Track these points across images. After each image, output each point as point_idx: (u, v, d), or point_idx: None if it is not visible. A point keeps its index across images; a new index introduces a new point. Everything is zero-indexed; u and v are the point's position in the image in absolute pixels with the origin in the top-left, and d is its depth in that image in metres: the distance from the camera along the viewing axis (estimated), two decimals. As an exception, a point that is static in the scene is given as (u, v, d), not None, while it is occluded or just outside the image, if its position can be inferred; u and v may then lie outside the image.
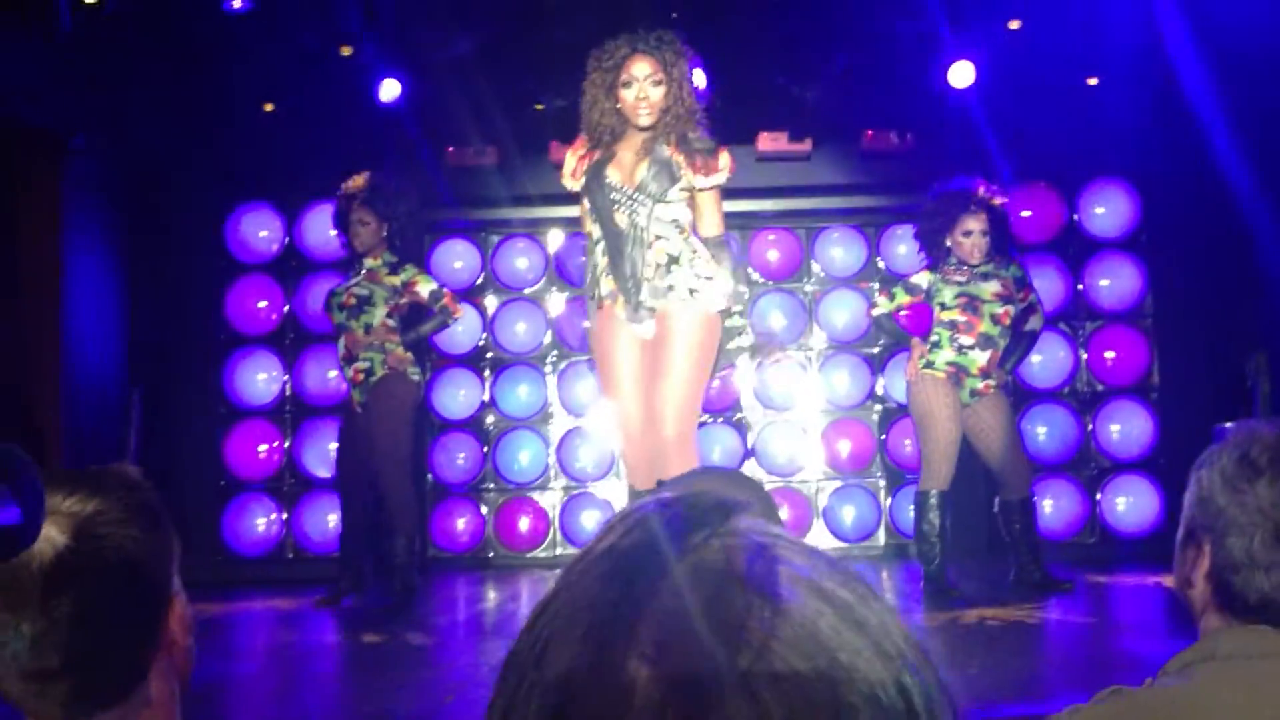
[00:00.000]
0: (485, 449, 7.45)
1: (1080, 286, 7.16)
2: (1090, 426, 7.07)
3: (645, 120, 3.95)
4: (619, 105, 3.97)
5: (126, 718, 1.15)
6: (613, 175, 3.98)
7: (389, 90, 6.43)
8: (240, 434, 7.08)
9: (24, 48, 5.53)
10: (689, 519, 0.58)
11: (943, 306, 5.48)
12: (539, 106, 6.85)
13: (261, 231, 7.26)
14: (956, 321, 5.41)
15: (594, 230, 4.05)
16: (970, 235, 5.41)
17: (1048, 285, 7.05)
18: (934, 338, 5.48)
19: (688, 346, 3.91)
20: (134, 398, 6.09)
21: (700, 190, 4.04)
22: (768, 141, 7.24)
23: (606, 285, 4.02)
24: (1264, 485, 1.33)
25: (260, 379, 7.16)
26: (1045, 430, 7.04)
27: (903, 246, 7.41)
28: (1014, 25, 6.51)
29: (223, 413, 7.08)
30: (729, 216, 7.42)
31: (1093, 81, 6.77)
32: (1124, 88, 6.68)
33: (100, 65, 5.96)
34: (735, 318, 4.13)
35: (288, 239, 7.26)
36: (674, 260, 3.93)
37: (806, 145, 7.23)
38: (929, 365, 5.39)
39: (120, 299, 6.59)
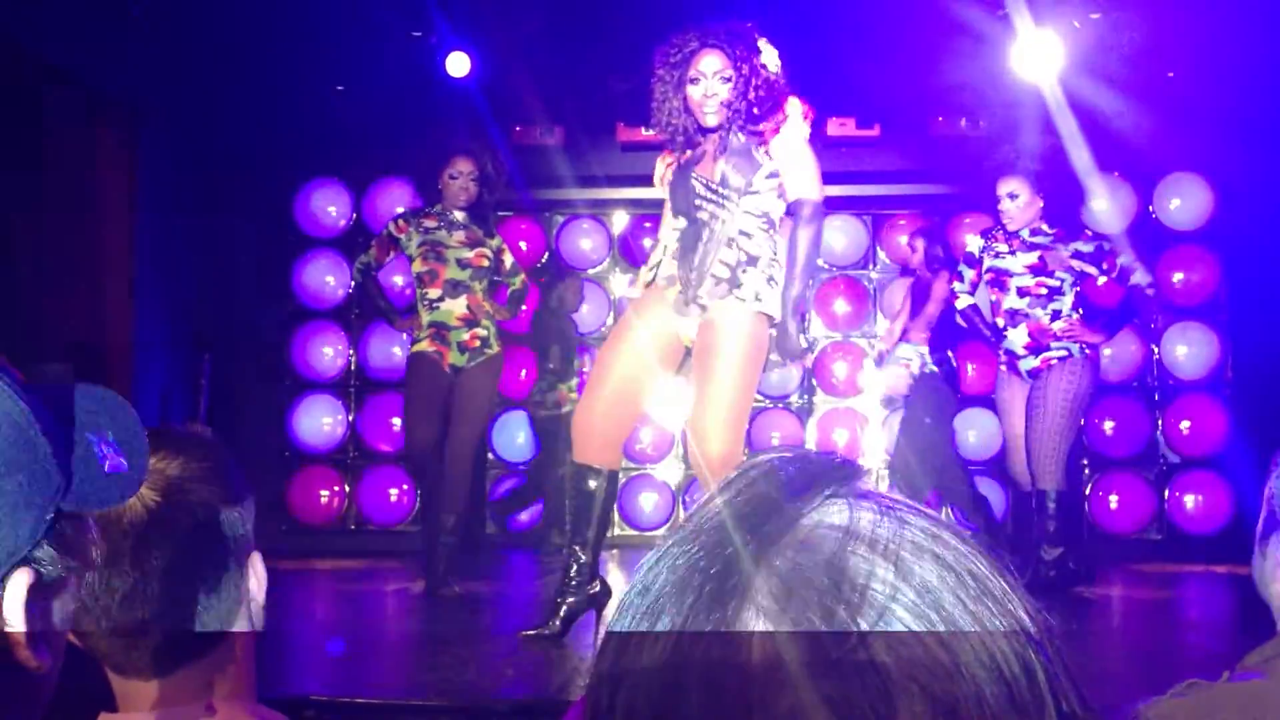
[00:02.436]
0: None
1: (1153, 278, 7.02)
2: (1159, 421, 6.95)
3: (711, 119, 3.66)
4: (688, 104, 3.69)
5: (211, 670, 1.17)
6: (698, 172, 3.72)
7: (457, 65, 6.42)
8: (306, 406, 7.19)
9: (102, 21, 5.64)
10: (813, 475, 0.57)
11: (978, 286, 5.38)
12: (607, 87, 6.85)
13: (330, 207, 7.35)
14: (991, 300, 5.31)
15: (675, 221, 3.80)
16: (1001, 201, 5.21)
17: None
18: (1001, 321, 5.29)
19: (737, 354, 3.60)
20: (204, 364, 6.18)
21: (779, 155, 3.66)
22: (835, 127, 7.18)
23: (668, 268, 3.78)
24: None
25: (327, 353, 7.25)
26: (1114, 424, 6.94)
27: (968, 236, 7.33)
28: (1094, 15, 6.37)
29: (289, 384, 7.19)
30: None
31: (1170, 74, 6.62)
32: (1200, 80, 6.54)
33: (176, 40, 6.05)
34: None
35: (355, 215, 7.34)
36: (751, 261, 3.64)
37: (875, 131, 7.16)
38: (1000, 357, 5.33)
39: (193, 269, 6.70)
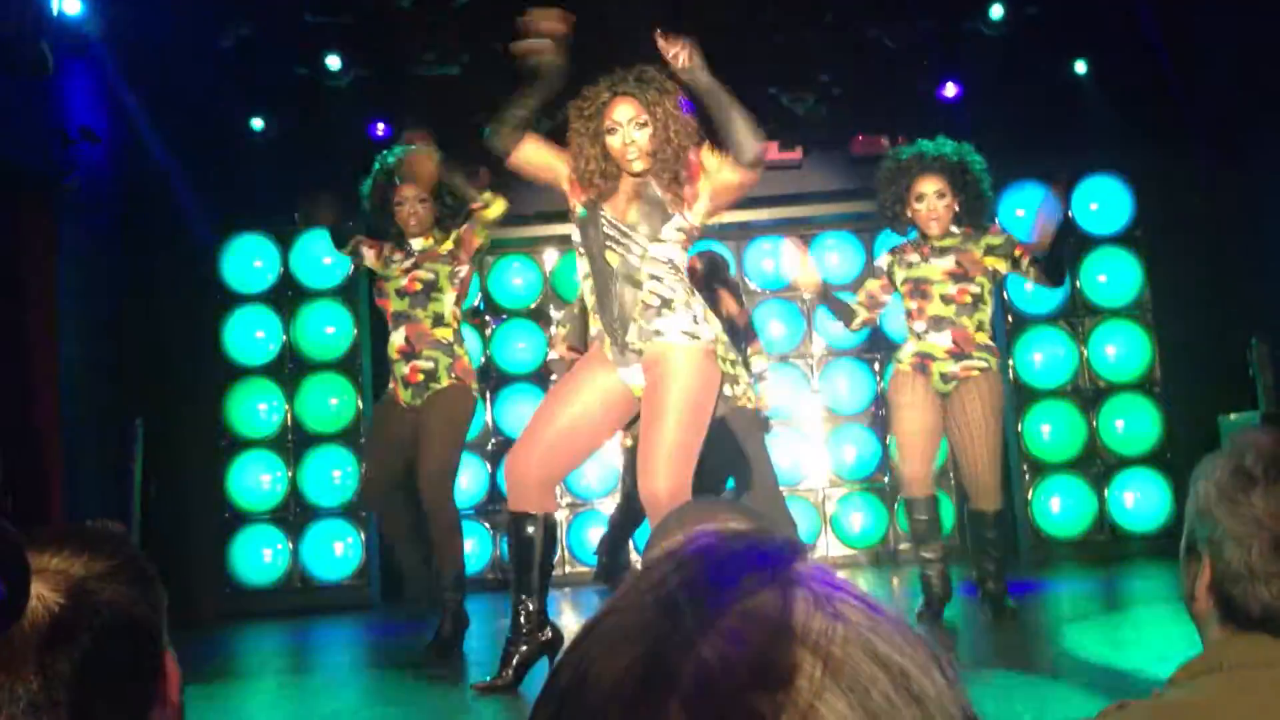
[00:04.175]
0: (489, 469, 7.44)
1: (1077, 284, 7.14)
2: (1094, 423, 7.06)
3: (637, 165, 3.68)
4: (607, 153, 3.70)
5: (125, 777, 1.14)
6: (608, 211, 3.73)
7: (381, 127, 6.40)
8: (243, 465, 7.07)
9: (12, 90, 5.54)
10: (751, 558, 0.55)
11: (898, 295, 5.08)
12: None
13: (256, 261, 7.26)
14: (909, 309, 4.99)
15: (583, 265, 3.82)
16: (924, 200, 4.90)
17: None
18: (904, 331, 5.10)
19: (682, 392, 3.61)
20: (136, 431, 6.06)
21: (708, 191, 3.70)
22: (759, 151, 7.24)
23: (594, 325, 3.80)
24: (1259, 495, 1.31)
25: (261, 409, 7.15)
26: (1050, 428, 7.03)
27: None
28: (995, 15, 6.49)
29: (225, 444, 7.07)
30: (723, 227, 7.51)
31: (1081, 68, 6.76)
32: (1112, 80, 6.69)
33: (88, 103, 5.97)
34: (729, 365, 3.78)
35: (283, 268, 7.26)
36: (666, 304, 3.68)
37: (797, 154, 7.25)
38: (898, 360, 5.04)
39: (118, 334, 6.58)
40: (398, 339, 4.83)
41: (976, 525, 5.00)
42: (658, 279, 3.70)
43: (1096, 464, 7.03)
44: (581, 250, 3.81)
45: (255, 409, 7.11)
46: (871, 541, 7.37)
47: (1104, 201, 7.15)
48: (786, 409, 7.42)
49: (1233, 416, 5.88)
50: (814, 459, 7.46)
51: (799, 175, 7.38)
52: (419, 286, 4.81)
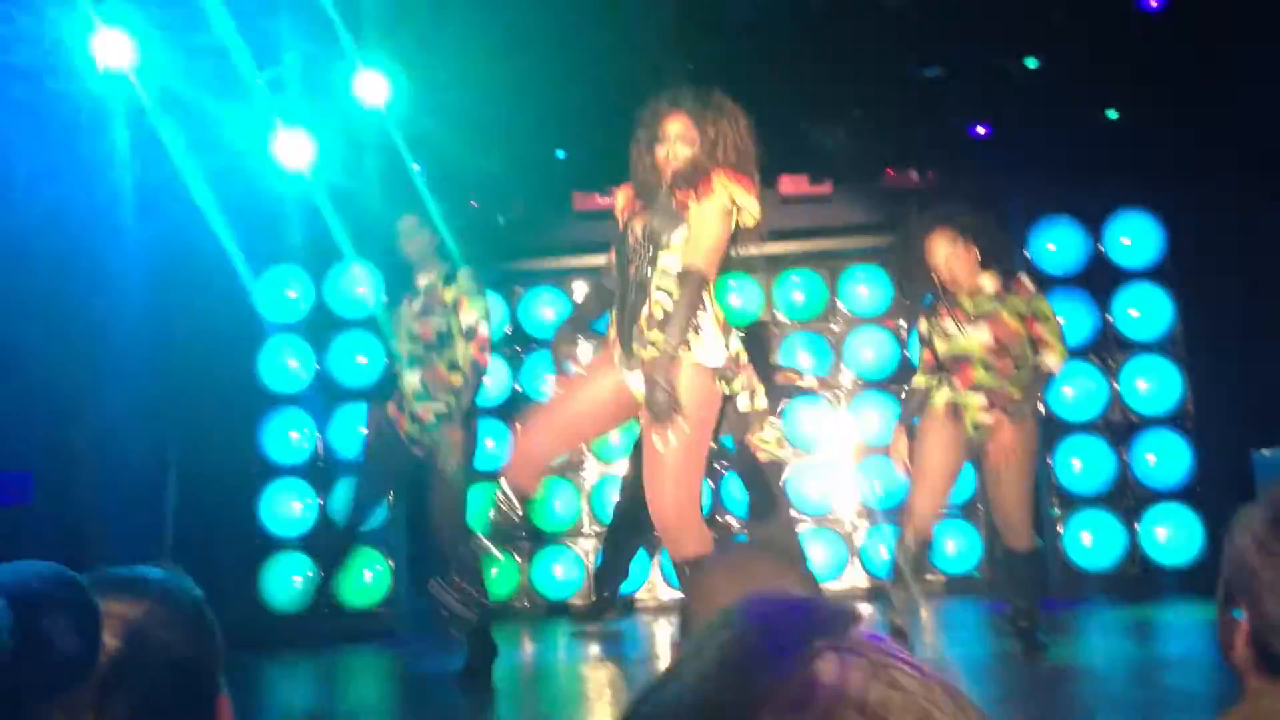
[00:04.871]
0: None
1: (1109, 318, 7.12)
2: (1126, 457, 7.01)
3: (669, 180, 3.73)
4: (655, 161, 3.77)
5: (180, 816, 1.16)
6: (637, 224, 3.80)
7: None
8: (275, 492, 7.12)
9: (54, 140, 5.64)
10: (806, 625, 0.57)
11: (935, 354, 5.02)
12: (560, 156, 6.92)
13: (289, 291, 7.34)
14: (950, 372, 4.95)
15: (614, 277, 3.92)
16: (944, 257, 4.88)
17: (1075, 317, 7.04)
18: (934, 381, 5.00)
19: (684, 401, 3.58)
20: (170, 456, 6.12)
21: (694, 219, 3.69)
22: (789, 184, 7.28)
23: (610, 331, 3.87)
24: None
25: (293, 436, 7.20)
26: (1081, 462, 6.99)
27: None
28: (1031, 64, 6.51)
29: (258, 470, 7.13)
30: (755, 261, 7.51)
31: (1113, 115, 6.76)
32: (1144, 117, 6.68)
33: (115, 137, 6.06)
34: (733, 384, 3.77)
35: (316, 298, 7.33)
36: (668, 319, 3.65)
37: (827, 187, 7.27)
38: (929, 403, 4.95)
39: (155, 358, 6.65)
40: (413, 379, 4.99)
41: (1010, 563, 4.99)
42: (663, 291, 3.71)
43: (1128, 498, 6.98)
44: (617, 264, 3.89)
45: (288, 436, 7.16)
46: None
47: (1135, 236, 7.13)
48: (814, 440, 7.41)
49: (1265, 452, 5.82)
50: (842, 490, 7.43)
51: (828, 208, 7.40)
52: (433, 337, 4.97)
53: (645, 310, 3.70)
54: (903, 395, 5.18)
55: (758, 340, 6.24)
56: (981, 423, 4.85)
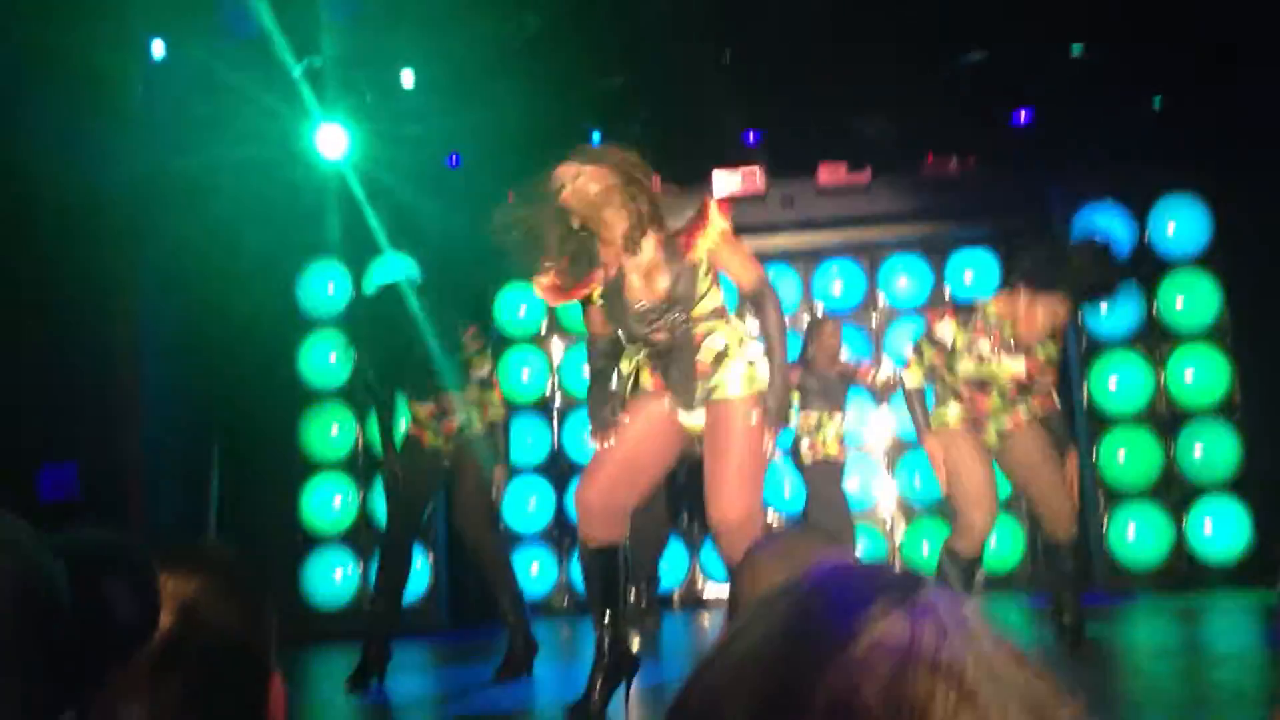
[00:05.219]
0: (556, 494, 7.47)
1: (1155, 307, 7.01)
2: (1172, 449, 6.91)
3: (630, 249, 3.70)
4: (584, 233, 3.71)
5: (234, 797, 1.15)
6: (631, 294, 3.74)
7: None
8: (316, 487, 7.16)
9: (102, 125, 5.69)
10: (874, 587, 0.56)
11: (951, 370, 4.78)
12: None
13: (329, 286, 7.37)
14: (960, 394, 4.77)
15: (629, 345, 3.89)
16: (1046, 313, 4.61)
17: (1120, 307, 6.94)
18: (941, 392, 4.82)
19: (746, 427, 3.68)
20: (213, 450, 6.17)
21: (712, 253, 3.74)
22: (827, 173, 7.23)
23: (649, 382, 3.85)
24: None
25: (334, 432, 7.24)
26: (1126, 454, 6.89)
27: (969, 271, 7.36)
28: (1075, 52, 6.43)
29: (299, 466, 7.17)
30: (794, 251, 7.50)
31: (1158, 103, 6.65)
32: (1189, 100, 6.58)
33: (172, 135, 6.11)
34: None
35: (355, 293, 7.37)
36: (724, 355, 3.73)
37: (865, 175, 7.21)
38: (940, 421, 4.77)
39: (197, 356, 6.71)
40: (427, 405, 5.04)
41: (1053, 556, 4.94)
42: (710, 334, 3.80)
43: (1174, 491, 6.87)
44: (620, 334, 3.92)
45: (328, 432, 7.20)
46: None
47: (1181, 222, 7.01)
48: (854, 436, 7.36)
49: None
50: (882, 485, 7.38)
51: (868, 197, 7.34)
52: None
53: (699, 359, 3.74)
54: (902, 393, 4.92)
55: (819, 334, 6.23)
56: (1003, 430, 4.76)
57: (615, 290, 3.75)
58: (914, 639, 0.52)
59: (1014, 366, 4.69)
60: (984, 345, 4.70)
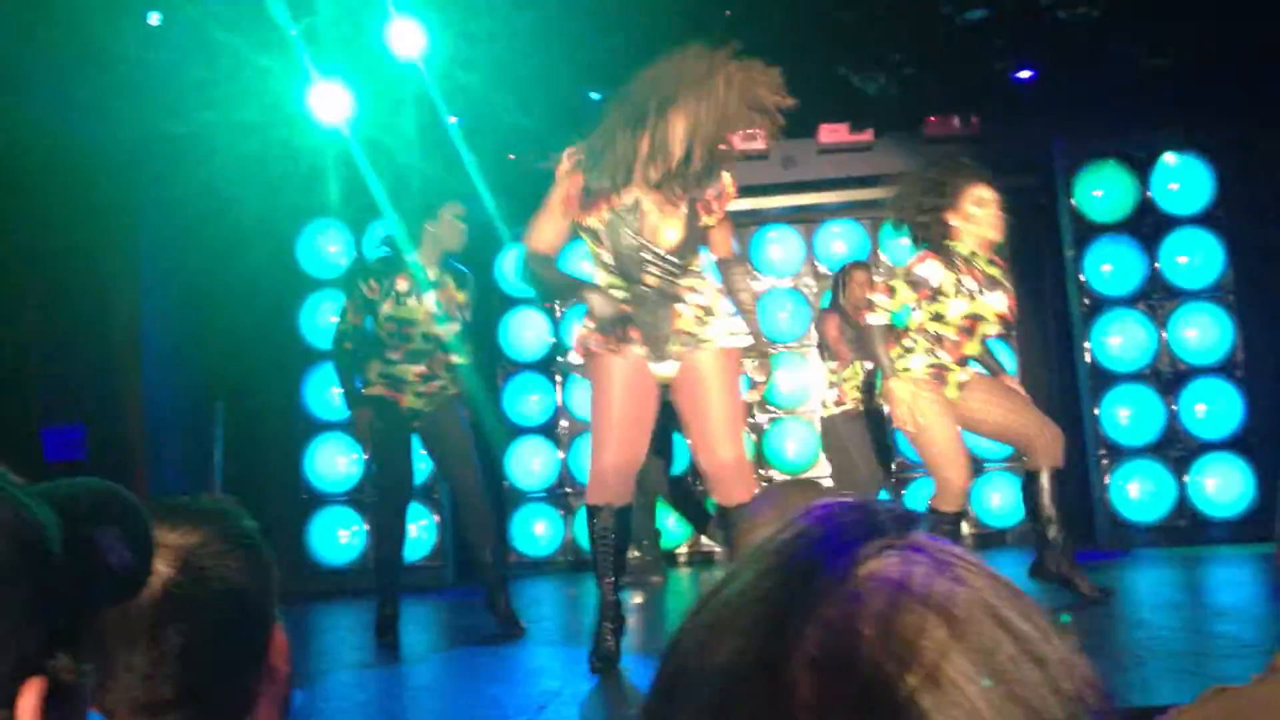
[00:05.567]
0: (560, 454, 7.50)
1: (1157, 265, 6.99)
2: (1174, 407, 6.91)
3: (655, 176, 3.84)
4: (662, 158, 3.81)
5: (236, 747, 1.17)
6: (645, 232, 3.84)
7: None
8: (320, 447, 7.18)
9: (104, 81, 5.66)
10: (869, 525, 0.56)
11: (937, 318, 4.64)
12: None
13: (332, 246, 7.36)
14: (944, 338, 4.64)
15: (611, 279, 3.92)
16: (985, 205, 4.60)
17: (1124, 265, 6.94)
18: (908, 342, 4.67)
19: (733, 379, 3.92)
20: (216, 411, 6.19)
21: (719, 218, 4.01)
22: (829, 134, 7.19)
23: (621, 329, 3.87)
24: None
25: (336, 392, 7.25)
26: (1129, 413, 6.90)
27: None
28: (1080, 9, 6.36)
29: (303, 426, 7.19)
30: (794, 210, 7.47)
31: (1158, 62, 6.59)
32: (1192, 58, 6.52)
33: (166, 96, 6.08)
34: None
35: (357, 254, 7.35)
36: (708, 312, 3.92)
37: (868, 135, 7.17)
38: (906, 370, 4.62)
39: (200, 314, 6.71)
40: (417, 368, 5.01)
41: (1029, 490, 4.72)
42: (695, 292, 4.02)
43: (1176, 449, 6.89)
44: (611, 265, 4.01)
45: (331, 392, 7.21)
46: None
47: (1184, 180, 6.98)
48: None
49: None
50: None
51: (870, 157, 7.30)
52: (449, 338, 5.04)
53: (680, 314, 3.89)
54: (865, 332, 4.73)
55: (849, 283, 6.32)
56: (963, 382, 4.66)
57: (627, 221, 3.81)
58: (907, 575, 0.53)
59: (995, 304, 4.62)
60: (970, 282, 4.61)
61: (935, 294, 4.60)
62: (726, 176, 3.95)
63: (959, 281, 4.59)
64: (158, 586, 1.11)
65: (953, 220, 4.63)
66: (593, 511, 3.95)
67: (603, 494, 3.92)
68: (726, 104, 3.67)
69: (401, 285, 4.97)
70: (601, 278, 3.97)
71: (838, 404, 6.17)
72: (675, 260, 3.87)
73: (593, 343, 3.92)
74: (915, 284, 4.59)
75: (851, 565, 0.53)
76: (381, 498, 5.26)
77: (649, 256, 3.84)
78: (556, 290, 4.25)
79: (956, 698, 0.50)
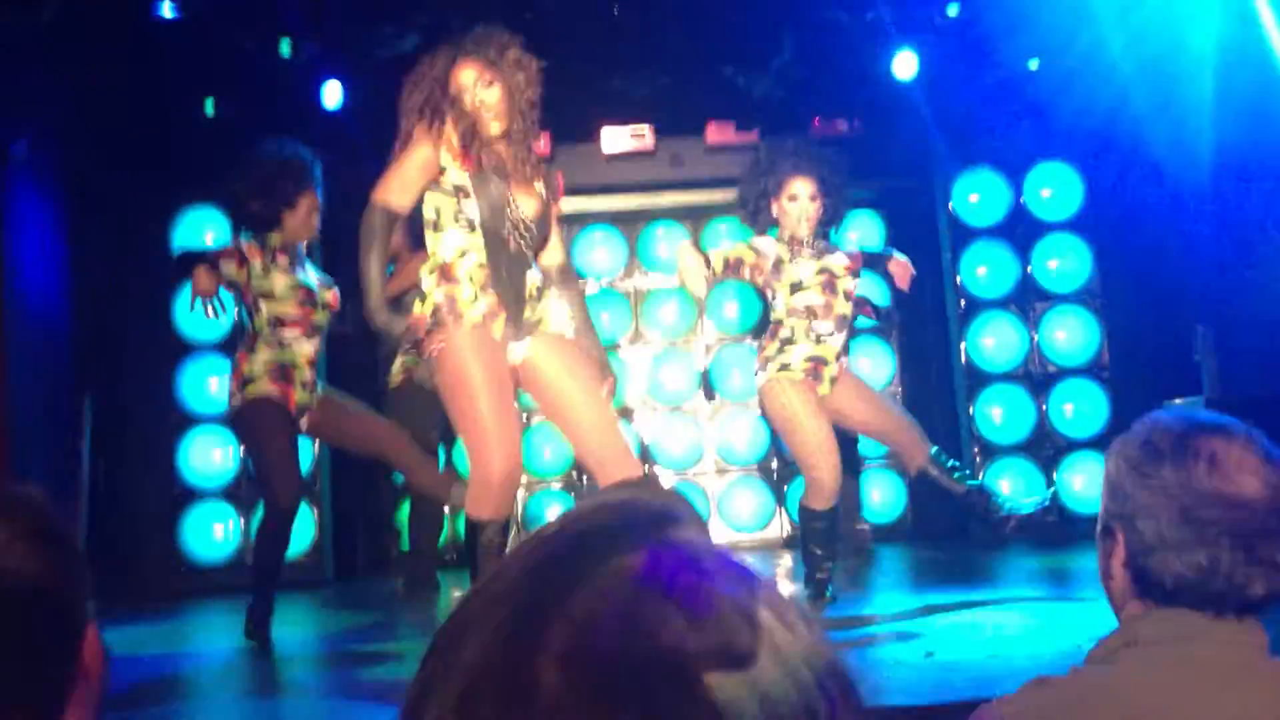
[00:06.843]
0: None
1: (1029, 269, 7.22)
2: (1044, 407, 7.15)
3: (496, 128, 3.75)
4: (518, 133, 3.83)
5: (44, 750, 1.13)
6: (511, 199, 3.73)
7: (332, 95, 6.36)
8: (194, 441, 6.99)
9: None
10: (623, 524, 0.58)
11: (796, 287, 4.62)
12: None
13: (209, 235, 7.16)
14: (814, 305, 4.62)
15: (471, 239, 3.68)
16: (797, 201, 4.64)
17: (997, 268, 7.15)
18: (785, 331, 4.62)
19: (589, 374, 3.84)
20: (84, 406, 5.99)
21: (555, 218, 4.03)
22: (715, 132, 7.25)
23: (486, 301, 3.64)
24: (1168, 468, 1.36)
25: (212, 384, 7.07)
26: (1001, 411, 7.11)
27: (854, 233, 7.46)
28: (952, 12, 6.53)
29: (175, 420, 6.99)
30: (682, 209, 7.53)
31: (1034, 65, 6.80)
32: (1064, 70, 6.73)
33: (40, 73, 5.87)
34: None
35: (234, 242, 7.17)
36: (542, 289, 3.85)
37: (754, 135, 7.24)
38: (783, 368, 4.58)
39: (67, 306, 6.49)
40: (312, 346, 4.96)
41: (928, 481, 4.83)
42: (532, 269, 3.93)
43: (1046, 447, 7.12)
44: (472, 223, 3.75)
45: (206, 385, 7.02)
46: (762, 526, 7.41)
47: (1056, 188, 7.23)
48: (677, 396, 7.47)
49: (1178, 401, 5.97)
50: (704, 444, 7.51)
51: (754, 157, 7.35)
52: (337, 305, 5.08)
53: (527, 285, 3.78)
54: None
55: None
56: (834, 377, 4.68)
57: (496, 180, 3.71)
58: (654, 571, 0.55)
59: (838, 259, 4.69)
60: (809, 248, 4.66)
61: (778, 264, 4.63)
62: (561, 178, 3.98)
63: (795, 251, 4.65)
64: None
65: (774, 210, 4.73)
66: (478, 527, 3.63)
67: (491, 508, 3.62)
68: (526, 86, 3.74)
69: (283, 258, 5.03)
70: (460, 238, 3.68)
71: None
72: (528, 236, 3.78)
73: (455, 313, 3.61)
74: (756, 252, 4.64)
75: (597, 563, 0.55)
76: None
77: (514, 217, 3.72)
78: (381, 255, 3.82)
79: (699, 692, 0.51)
